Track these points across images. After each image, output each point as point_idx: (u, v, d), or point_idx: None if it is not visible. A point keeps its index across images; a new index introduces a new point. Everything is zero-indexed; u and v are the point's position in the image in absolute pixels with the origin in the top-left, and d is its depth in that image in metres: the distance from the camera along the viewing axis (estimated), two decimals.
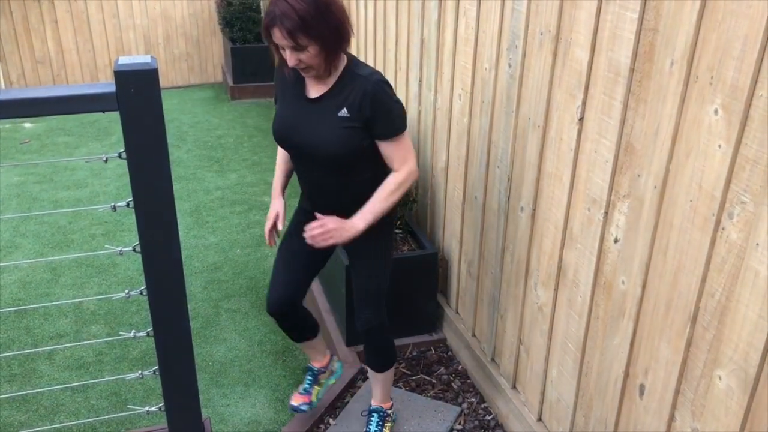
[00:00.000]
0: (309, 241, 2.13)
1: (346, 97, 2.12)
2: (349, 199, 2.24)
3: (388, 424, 2.67)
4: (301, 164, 2.26)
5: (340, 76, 2.15)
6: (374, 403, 2.66)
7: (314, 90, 2.18)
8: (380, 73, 2.16)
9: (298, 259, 2.40)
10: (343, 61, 2.17)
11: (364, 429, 2.67)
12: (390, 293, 3.14)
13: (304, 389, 2.73)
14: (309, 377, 2.75)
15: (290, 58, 2.04)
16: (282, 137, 2.23)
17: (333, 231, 2.12)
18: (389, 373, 2.59)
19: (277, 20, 1.98)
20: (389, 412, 2.67)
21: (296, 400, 2.70)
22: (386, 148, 2.18)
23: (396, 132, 2.16)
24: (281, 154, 2.45)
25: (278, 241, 2.49)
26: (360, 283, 2.41)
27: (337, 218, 2.15)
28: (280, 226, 2.34)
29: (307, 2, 1.98)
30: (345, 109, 2.11)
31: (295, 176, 2.41)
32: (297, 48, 2.02)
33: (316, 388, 2.74)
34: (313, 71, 2.10)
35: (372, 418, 2.65)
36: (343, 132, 2.12)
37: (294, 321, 2.49)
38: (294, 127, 2.19)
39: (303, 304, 2.50)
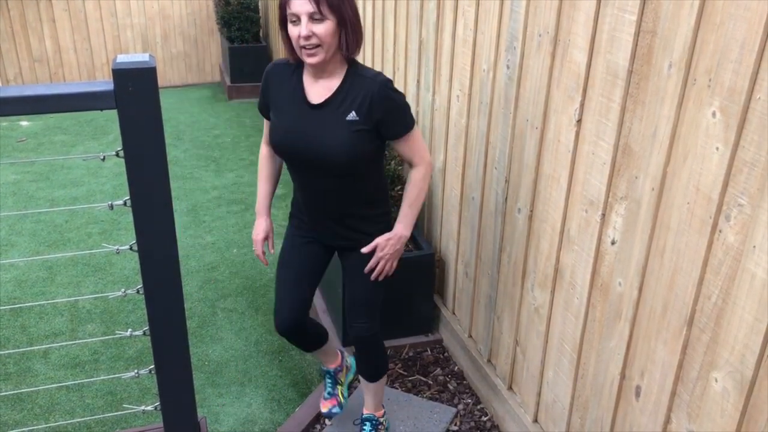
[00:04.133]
0: (375, 275, 2.15)
1: (353, 99, 2.03)
2: (353, 205, 2.17)
3: None
4: (304, 174, 2.14)
5: (343, 78, 2.06)
6: (366, 412, 2.63)
7: (316, 95, 2.07)
8: (382, 73, 2.10)
9: (299, 277, 2.31)
10: (345, 64, 2.10)
11: None
12: (386, 294, 3.14)
13: (329, 393, 2.67)
14: (329, 380, 2.69)
15: (305, 27, 1.94)
16: (286, 149, 2.10)
17: (390, 255, 2.13)
18: (381, 382, 2.55)
19: None
20: (381, 420, 2.65)
21: (325, 406, 2.65)
22: (402, 146, 2.13)
23: (409, 128, 2.11)
24: (265, 170, 2.34)
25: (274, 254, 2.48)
26: (359, 293, 2.31)
27: (384, 240, 2.13)
28: (272, 250, 2.31)
29: None
30: (353, 112, 2.03)
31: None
32: (315, 17, 1.94)
33: (339, 387, 2.69)
34: (321, 53, 1.98)
35: (365, 427, 2.63)
36: (354, 136, 2.03)
37: (303, 336, 2.41)
38: (300, 136, 2.06)
39: (310, 316, 2.42)
